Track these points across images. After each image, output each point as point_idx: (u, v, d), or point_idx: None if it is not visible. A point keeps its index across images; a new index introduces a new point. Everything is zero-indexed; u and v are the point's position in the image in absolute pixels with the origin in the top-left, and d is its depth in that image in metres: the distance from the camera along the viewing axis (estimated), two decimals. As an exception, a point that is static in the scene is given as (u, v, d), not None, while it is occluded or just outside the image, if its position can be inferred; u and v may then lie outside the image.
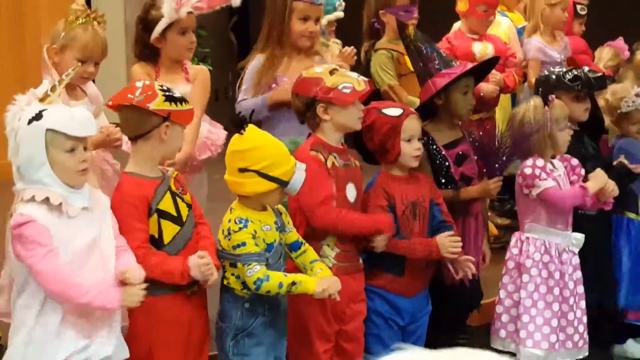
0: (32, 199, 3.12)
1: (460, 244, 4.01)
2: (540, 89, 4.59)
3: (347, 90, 3.80)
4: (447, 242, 3.97)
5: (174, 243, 3.50)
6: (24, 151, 3.17)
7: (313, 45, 4.48)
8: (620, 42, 6.30)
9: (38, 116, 3.15)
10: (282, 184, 3.50)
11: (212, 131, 4.55)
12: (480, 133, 4.33)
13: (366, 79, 3.91)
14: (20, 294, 3.22)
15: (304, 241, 3.71)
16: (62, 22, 4.10)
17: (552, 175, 4.33)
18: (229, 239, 3.50)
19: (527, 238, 4.40)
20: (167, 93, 3.46)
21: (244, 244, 3.47)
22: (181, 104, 3.48)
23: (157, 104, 3.43)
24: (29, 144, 3.15)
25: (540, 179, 4.30)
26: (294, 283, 3.46)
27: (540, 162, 4.31)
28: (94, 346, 3.20)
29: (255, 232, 3.49)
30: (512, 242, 4.46)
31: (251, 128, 3.55)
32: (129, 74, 4.92)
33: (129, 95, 3.45)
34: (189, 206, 3.57)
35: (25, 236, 3.10)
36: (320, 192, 3.76)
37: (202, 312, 3.65)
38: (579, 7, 6.23)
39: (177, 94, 3.51)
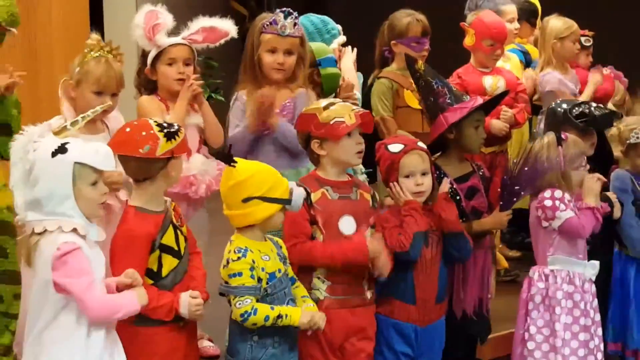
0: (60, 230, 3.15)
1: None
2: (550, 124, 4.59)
3: (338, 125, 3.81)
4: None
5: (170, 276, 3.52)
6: (46, 184, 3.17)
7: (291, 78, 4.47)
8: (611, 70, 6.28)
9: (62, 149, 3.17)
10: (286, 202, 3.56)
11: (221, 163, 4.58)
12: (494, 165, 4.34)
13: (361, 111, 3.90)
14: (47, 328, 3.22)
15: (297, 278, 3.76)
16: (78, 56, 4.13)
17: (570, 205, 4.34)
18: (227, 268, 3.53)
19: (552, 271, 4.39)
20: (165, 130, 3.47)
21: (240, 274, 3.50)
22: (178, 136, 3.49)
23: (162, 148, 3.44)
24: (53, 177, 3.17)
25: (560, 210, 4.31)
26: (279, 316, 3.51)
27: (558, 192, 4.32)
28: None
29: (254, 262, 3.51)
30: (536, 277, 4.42)
31: (240, 160, 3.60)
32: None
33: (137, 147, 3.43)
34: (186, 238, 3.60)
35: (71, 264, 3.14)
36: (290, 228, 3.78)
37: (195, 342, 3.69)
38: (583, 39, 6.20)
39: (173, 127, 3.50)
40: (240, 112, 4.43)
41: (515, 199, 4.40)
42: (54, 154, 3.17)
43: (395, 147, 4.02)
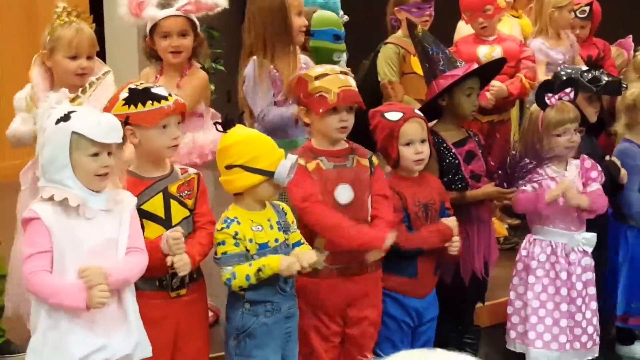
0: (51, 198, 3.13)
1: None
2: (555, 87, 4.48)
3: (320, 101, 3.75)
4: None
5: None
6: (48, 150, 3.17)
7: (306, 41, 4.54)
8: (628, 40, 6.25)
9: (66, 117, 3.15)
10: (268, 174, 3.47)
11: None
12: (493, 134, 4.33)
13: (347, 90, 3.77)
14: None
15: (305, 242, 3.67)
16: (47, 26, 4.12)
17: (535, 177, 4.29)
18: (215, 238, 3.52)
19: (535, 240, 4.42)
20: (129, 95, 3.44)
21: (223, 242, 3.47)
22: (143, 105, 3.43)
23: (116, 109, 3.44)
24: (54, 144, 3.15)
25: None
26: (259, 270, 3.43)
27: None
28: (113, 345, 3.20)
29: (237, 233, 3.46)
30: (523, 244, 4.49)
31: (237, 126, 3.55)
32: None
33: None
34: (191, 211, 3.56)
35: (27, 232, 3.15)
36: (300, 189, 3.72)
37: (195, 317, 3.62)
38: (578, 10, 6.14)
39: (150, 93, 3.45)
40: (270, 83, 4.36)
41: (512, 179, 4.30)
42: (57, 122, 3.15)
43: (394, 115, 3.98)
